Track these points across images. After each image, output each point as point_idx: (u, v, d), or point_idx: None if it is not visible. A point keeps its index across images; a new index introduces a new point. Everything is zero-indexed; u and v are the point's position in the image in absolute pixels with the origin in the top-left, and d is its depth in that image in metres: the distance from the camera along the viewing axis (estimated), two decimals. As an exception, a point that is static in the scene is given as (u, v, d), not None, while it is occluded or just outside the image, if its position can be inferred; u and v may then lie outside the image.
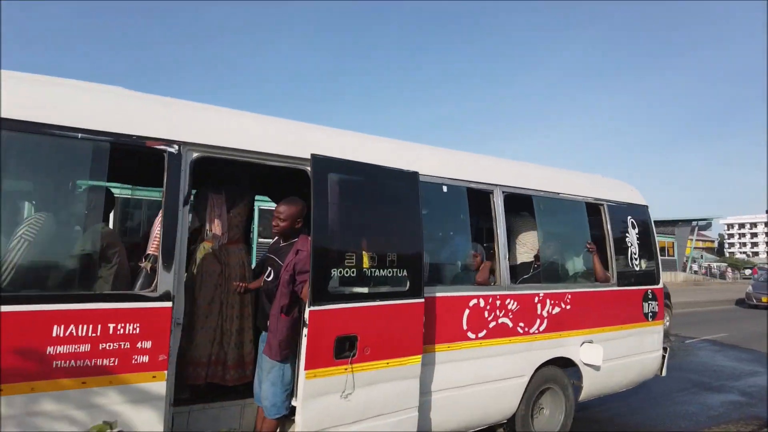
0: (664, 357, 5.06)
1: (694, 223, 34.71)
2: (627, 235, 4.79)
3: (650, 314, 4.88)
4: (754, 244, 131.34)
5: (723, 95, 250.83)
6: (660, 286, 5.11)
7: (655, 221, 20.02)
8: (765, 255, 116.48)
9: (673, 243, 34.73)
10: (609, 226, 4.59)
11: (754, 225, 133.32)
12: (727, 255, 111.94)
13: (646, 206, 5.22)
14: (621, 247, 4.68)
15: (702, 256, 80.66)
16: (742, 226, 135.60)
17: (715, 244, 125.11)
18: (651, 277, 5.04)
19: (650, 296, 4.92)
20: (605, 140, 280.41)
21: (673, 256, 34.64)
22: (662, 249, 34.17)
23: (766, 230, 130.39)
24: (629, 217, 4.87)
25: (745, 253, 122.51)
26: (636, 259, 4.83)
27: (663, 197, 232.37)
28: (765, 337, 11.39)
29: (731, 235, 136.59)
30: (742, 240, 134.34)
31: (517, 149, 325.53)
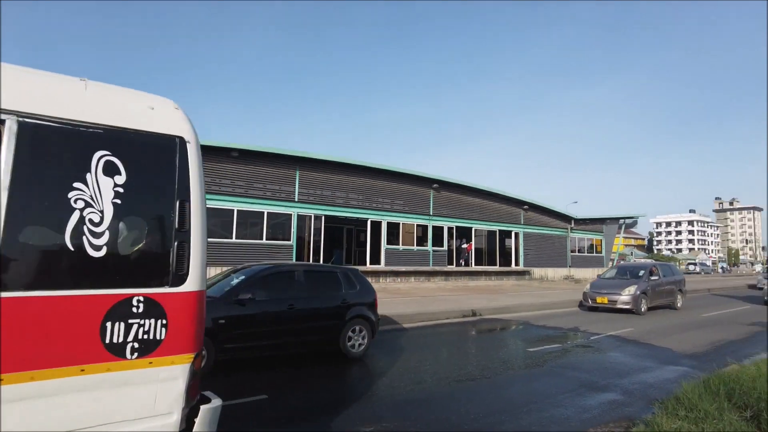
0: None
1: (622, 221, 36.10)
2: (73, 181, 2.56)
3: (135, 346, 2.63)
4: (678, 241, 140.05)
5: (670, 105, 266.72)
6: (194, 289, 2.87)
7: (585, 219, 20.24)
8: (687, 251, 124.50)
9: (601, 240, 36.07)
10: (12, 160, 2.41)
11: (678, 224, 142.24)
12: (656, 252, 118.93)
13: (181, 139, 2.95)
14: (64, 206, 2.51)
15: (632, 252, 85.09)
16: (668, 224, 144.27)
17: (645, 242, 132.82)
18: (150, 270, 2.75)
19: (144, 309, 2.68)
20: (554, 142, 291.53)
21: (601, 252, 35.98)
22: (591, 246, 35.43)
23: (688, 228, 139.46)
24: (103, 152, 2.66)
25: (670, 249, 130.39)
26: (101, 234, 2.59)
27: (608, 196, 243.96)
28: (668, 332, 11.67)
29: (659, 233, 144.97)
30: (668, 237, 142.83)
31: (483, 148, 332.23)
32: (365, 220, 22.41)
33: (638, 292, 14.65)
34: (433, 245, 24.63)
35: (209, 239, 17.88)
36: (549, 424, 4.92)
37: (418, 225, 24.11)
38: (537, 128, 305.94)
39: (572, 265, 33.13)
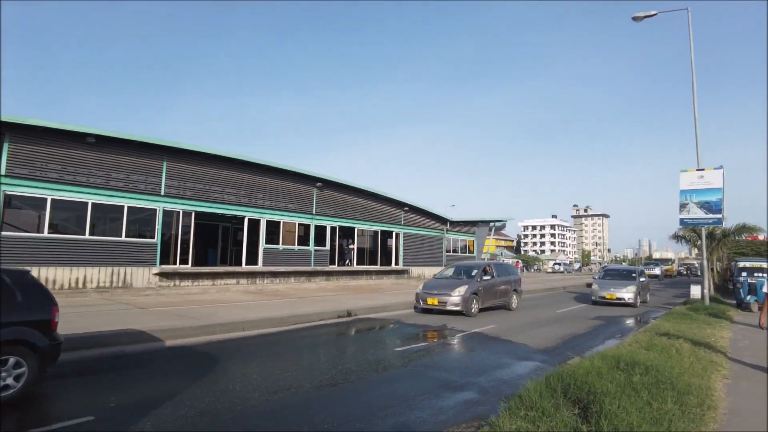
0: None
1: (492, 224, 38.77)
2: None
3: None
4: (542, 243, 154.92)
5: (535, 121, 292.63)
6: None
7: (459, 221, 21.16)
8: (549, 252, 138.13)
9: (473, 241, 38.39)
10: None
11: (542, 227, 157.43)
12: (522, 252, 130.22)
13: None
14: None
15: (502, 253, 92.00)
16: (534, 227, 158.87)
17: (514, 243, 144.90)
18: None
19: None
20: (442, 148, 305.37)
21: (474, 253, 38.28)
22: (465, 247, 37.50)
23: (551, 231, 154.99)
24: None
25: (535, 250, 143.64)
26: None
27: (483, 201, 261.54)
28: (527, 328, 12.54)
29: (526, 236, 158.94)
30: (534, 240, 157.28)
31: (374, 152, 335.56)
32: (242, 218, 21.31)
33: (469, 293, 13.86)
34: (315, 245, 24.21)
35: (58, 235, 15.72)
36: (404, 430, 4.83)
37: (300, 224, 23.53)
38: (420, 135, 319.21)
39: (447, 264, 34.75)
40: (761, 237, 32.73)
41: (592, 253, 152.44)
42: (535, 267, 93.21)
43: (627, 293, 17.94)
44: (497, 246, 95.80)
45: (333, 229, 25.49)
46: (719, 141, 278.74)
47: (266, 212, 21.90)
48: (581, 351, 8.89)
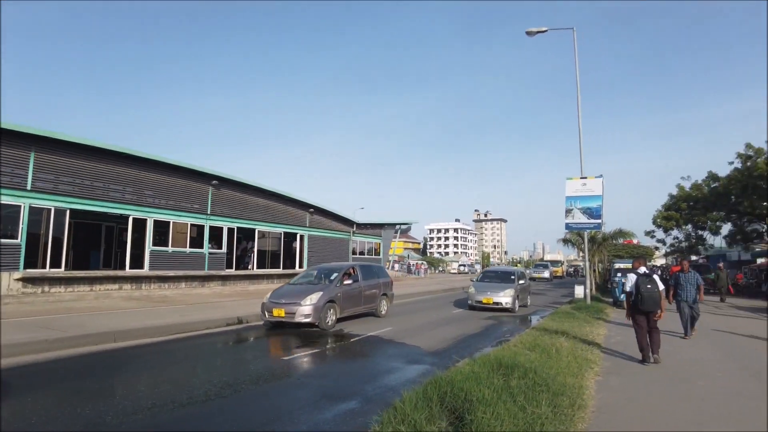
0: None
1: (398, 226, 39.34)
2: None
3: None
4: (446, 246, 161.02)
5: (440, 127, 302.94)
6: None
7: (366, 224, 20.65)
8: (453, 254, 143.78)
9: (380, 243, 38.64)
10: None
11: (447, 230, 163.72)
12: (428, 254, 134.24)
13: None
14: None
15: (409, 255, 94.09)
16: (439, 230, 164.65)
17: (421, 245, 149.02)
18: None
19: None
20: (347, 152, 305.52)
21: (379, 255, 38.52)
22: (371, 249, 37.60)
23: (454, 234, 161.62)
24: None
25: (440, 252, 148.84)
26: None
27: (391, 204, 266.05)
28: (425, 329, 12.57)
29: (432, 238, 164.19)
30: (439, 242, 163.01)
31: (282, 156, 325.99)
32: (127, 217, 19.44)
33: (323, 302, 11.58)
34: (210, 247, 22.78)
35: None
36: (274, 450, 4.38)
37: (192, 224, 21.98)
38: (331, 140, 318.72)
39: (308, 268, 34.53)
40: (635, 241, 36.49)
41: (491, 255, 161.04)
42: (440, 268, 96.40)
43: (504, 297, 16.68)
44: (405, 248, 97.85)
45: (231, 230, 24.17)
46: (599, 152, 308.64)
47: (154, 211, 20.18)
48: (471, 352, 8.97)
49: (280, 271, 27.70)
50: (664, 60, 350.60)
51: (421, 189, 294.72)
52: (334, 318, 12.07)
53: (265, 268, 27.82)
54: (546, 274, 47.21)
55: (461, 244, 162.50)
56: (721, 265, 24.24)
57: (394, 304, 16.12)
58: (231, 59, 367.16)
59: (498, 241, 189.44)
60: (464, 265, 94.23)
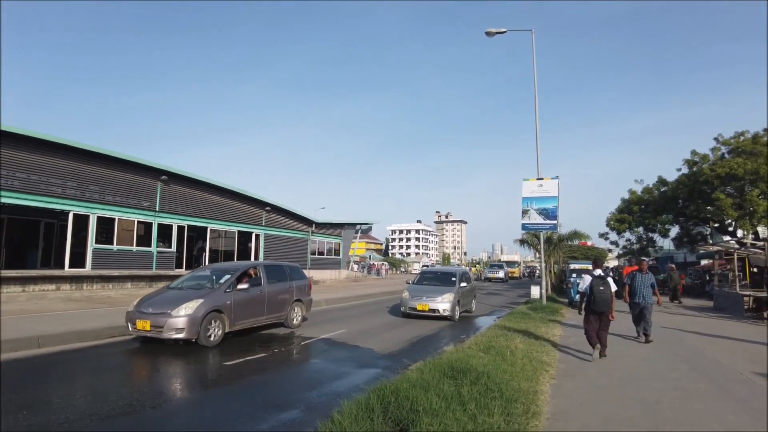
0: None
1: (358, 226, 38.90)
2: None
3: None
4: (408, 246, 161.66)
5: (401, 130, 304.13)
6: None
7: (325, 223, 19.66)
8: (415, 255, 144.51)
9: (340, 244, 38.09)
10: None
11: (408, 231, 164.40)
12: (390, 255, 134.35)
13: None
14: None
15: (370, 256, 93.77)
16: (401, 231, 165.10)
17: (383, 246, 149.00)
18: None
19: None
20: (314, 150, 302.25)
21: (339, 255, 37.98)
22: (331, 249, 37.02)
23: (416, 235, 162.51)
24: None
25: (401, 253, 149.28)
26: None
27: (353, 205, 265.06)
28: (379, 332, 12.22)
29: (394, 239, 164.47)
30: (401, 243, 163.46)
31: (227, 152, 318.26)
32: (68, 213, 18.21)
33: (202, 312, 9.15)
34: (158, 246, 21.70)
35: None
36: (199, 469, 3.91)
37: (140, 222, 20.85)
38: (287, 136, 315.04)
39: (312, 266, 33.87)
40: (590, 243, 37.42)
41: (451, 256, 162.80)
42: (402, 269, 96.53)
43: (442, 303, 13.95)
44: (366, 249, 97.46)
45: (181, 228, 23.12)
46: (557, 154, 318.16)
47: (97, 207, 19.00)
48: (426, 354, 8.67)
49: (234, 271, 26.73)
50: (624, 68, 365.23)
51: (383, 190, 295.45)
52: (219, 332, 9.53)
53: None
54: (501, 274, 45.70)
55: (423, 245, 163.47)
56: (672, 266, 25.10)
57: (330, 308, 15.28)
58: (192, 52, 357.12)
59: (458, 242, 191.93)
60: (426, 266, 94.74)
